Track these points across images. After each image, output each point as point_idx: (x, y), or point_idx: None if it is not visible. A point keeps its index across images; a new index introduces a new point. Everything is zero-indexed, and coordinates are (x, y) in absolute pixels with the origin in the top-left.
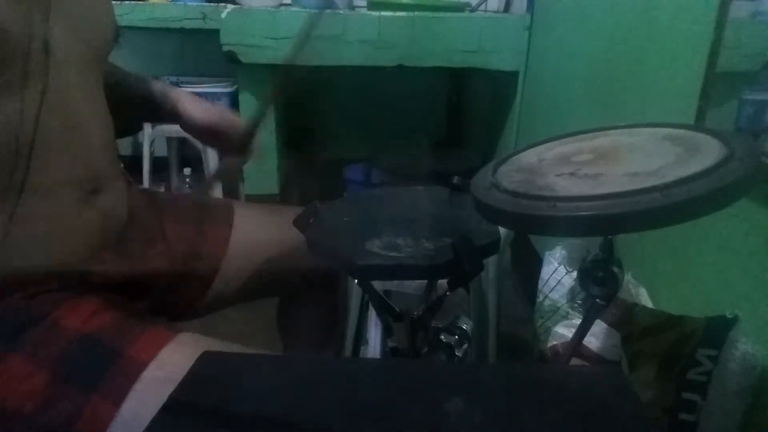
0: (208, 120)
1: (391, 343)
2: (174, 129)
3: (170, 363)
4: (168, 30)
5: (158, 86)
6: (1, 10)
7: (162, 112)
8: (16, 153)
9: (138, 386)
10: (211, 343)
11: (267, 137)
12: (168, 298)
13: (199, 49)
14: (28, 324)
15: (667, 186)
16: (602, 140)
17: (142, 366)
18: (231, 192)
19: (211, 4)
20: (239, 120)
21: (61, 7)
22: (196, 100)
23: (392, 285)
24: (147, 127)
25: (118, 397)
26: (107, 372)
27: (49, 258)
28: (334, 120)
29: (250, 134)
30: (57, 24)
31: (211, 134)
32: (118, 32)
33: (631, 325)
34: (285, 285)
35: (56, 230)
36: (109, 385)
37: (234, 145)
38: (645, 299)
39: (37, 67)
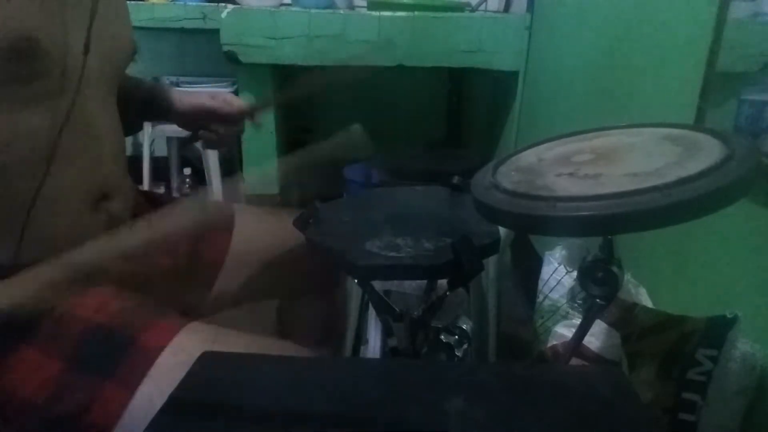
0: (199, 101)
1: (391, 343)
2: (174, 129)
3: (183, 350)
4: (168, 30)
5: (153, 84)
6: (40, 23)
7: (156, 106)
8: (41, 160)
9: (152, 373)
10: (221, 331)
11: (267, 137)
12: (170, 300)
13: (199, 49)
14: (39, 315)
15: (667, 186)
16: (602, 140)
17: (156, 353)
18: (231, 192)
19: (211, 4)
20: (232, 96)
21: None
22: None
23: (392, 285)
24: (147, 127)
25: (132, 384)
26: (121, 359)
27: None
28: (334, 120)
29: (247, 112)
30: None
31: (203, 115)
32: (135, 50)
33: (631, 325)
34: (285, 286)
35: (65, 235)
36: (123, 372)
37: (228, 120)
38: (645, 299)
39: (70, 80)
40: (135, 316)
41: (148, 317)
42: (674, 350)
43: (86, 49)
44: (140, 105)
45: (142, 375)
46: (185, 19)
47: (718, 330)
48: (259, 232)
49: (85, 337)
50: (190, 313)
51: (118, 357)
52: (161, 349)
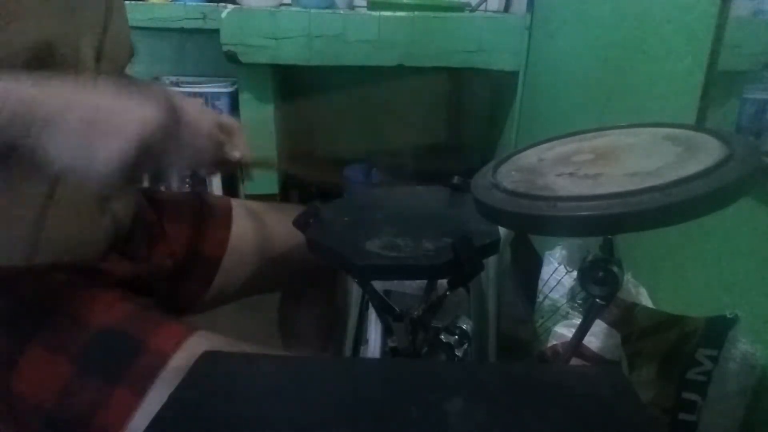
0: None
1: (391, 343)
2: None
3: (194, 355)
4: (168, 30)
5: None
6: (55, 29)
7: None
8: None
9: (163, 377)
10: (230, 341)
11: (267, 137)
12: (170, 294)
13: (199, 49)
14: (45, 317)
15: (667, 186)
16: (602, 140)
17: (166, 357)
18: (231, 191)
19: (211, 4)
20: (241, 137)
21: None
22: (192, 102)
23: (392, 285)
24: None
25: (141, 389)
26: (131, 363)
27: (62, 259)
28: (334, 120)
29: (244, 160)
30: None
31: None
32: (133, 51)
33: (631, 325)
34: (285, 284)
35: (74, 236)
36: (132, 376)
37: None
38: (645, 299)
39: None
40: (144, 319)
41: (158, 321)
42: (674, 350)
43: (98, 57)
44: None
45: (152, 379)
46: (185, 19)
47: (718, 330)
48: (258, 228)
49: (94, 339)
50: (189, 305)
51: (127, 361)
52: (171, 353)
